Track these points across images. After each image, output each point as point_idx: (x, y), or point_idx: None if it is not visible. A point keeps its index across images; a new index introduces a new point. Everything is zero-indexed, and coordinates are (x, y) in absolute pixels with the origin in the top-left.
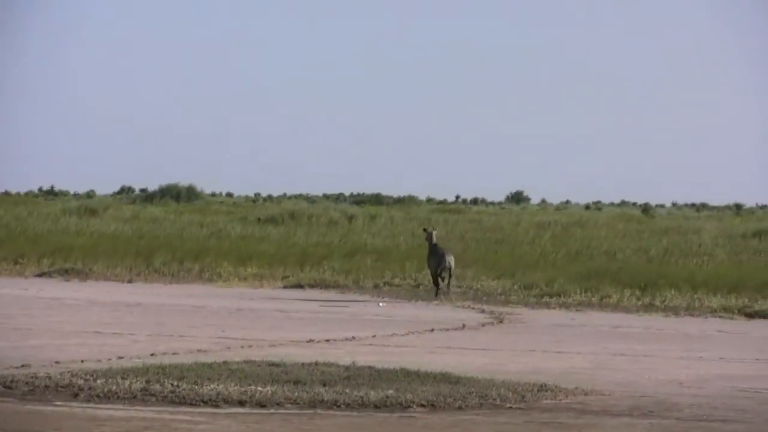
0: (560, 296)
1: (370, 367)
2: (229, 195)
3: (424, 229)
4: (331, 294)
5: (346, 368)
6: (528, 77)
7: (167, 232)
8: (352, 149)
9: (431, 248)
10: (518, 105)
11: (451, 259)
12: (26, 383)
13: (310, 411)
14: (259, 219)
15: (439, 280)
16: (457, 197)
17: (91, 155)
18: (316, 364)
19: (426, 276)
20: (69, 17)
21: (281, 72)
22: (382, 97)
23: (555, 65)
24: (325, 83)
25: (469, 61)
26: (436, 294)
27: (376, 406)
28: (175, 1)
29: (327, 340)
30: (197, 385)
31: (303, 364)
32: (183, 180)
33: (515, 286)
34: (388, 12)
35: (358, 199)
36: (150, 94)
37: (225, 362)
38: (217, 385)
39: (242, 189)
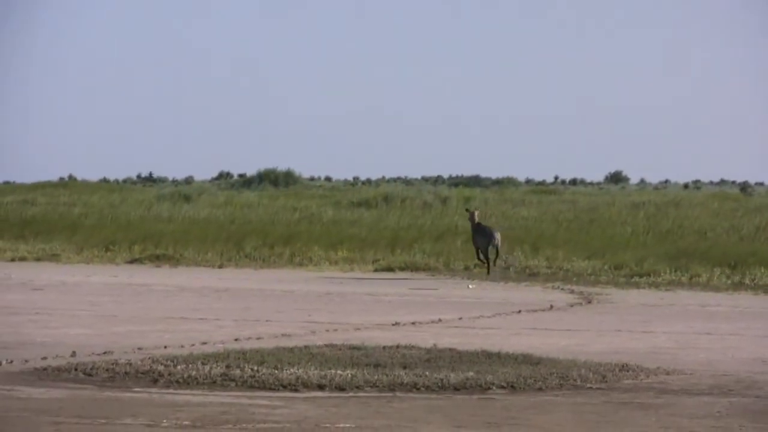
0: (650, 276)
1: (451, 350)
2: (328, 179)
3: (467, 209)
4: (422, 277)
5: (428, 351)
6: (626, 56)
7: (259, 217)
8: (450, 131)
9: (476, 227)
10: (618, 84)
11: (498, 236)
12: (106, 370)
13: (389, 394)
14: (352, 203)
15: (486, 257)
16: (556, 178)
17: (190, 141)
18: (397, 347)
19: (516, 258)
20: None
21: (378, 52)
22: (482, 78)
23: (653, 43)
24: (426, 64)
25: (565, 40)
26: (489, 271)
27: (456, 389)
28: None
29: (413, 323)
30: (277, 369)
31: (384, 347)
32: (281, 165)
33: (605, 267)
34: None
35: (456, 181)
36: (248, 79)
37: (306, 346)
38: (297, 370)
39: (341, 173)
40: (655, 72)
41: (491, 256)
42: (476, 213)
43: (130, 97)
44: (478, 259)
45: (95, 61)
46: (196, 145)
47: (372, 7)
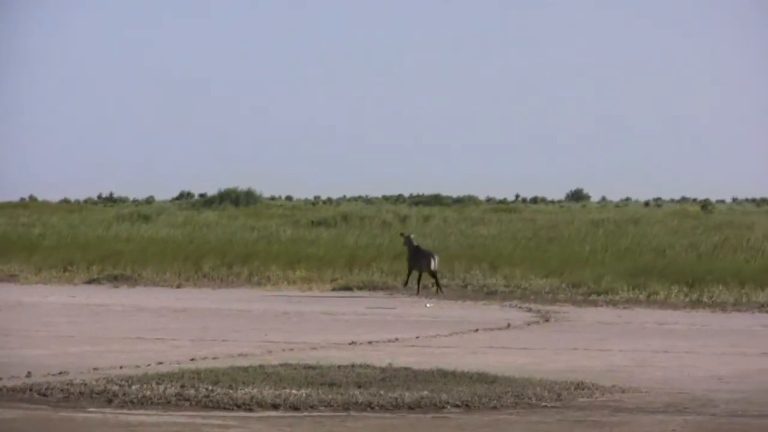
0: (608, 294)
1: (406, 369)
2: (289, 198)
3: (401, 234)
4: (380, 296)
5: (383, 370)
6: (586, 73)
7: (218, 236)
8: (410, 150)
9: (414, 249)
10: (580, 101)
11: (437, 259)
12: (61, 390)
13: (344, 413)
14: (311, 222)
15: (420, 276)
16: (517, 196)
17: (151, 161)
18: (353, 366)
19: (474, 276)
20: (135, 16)
21: (339, 71)
22: (443, 97)
23: (616, 60)
24: (386, 82)
25: (529, 58)
26: (418, 291)
27: (411, 408)
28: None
29: (369, 342)
30: (231, 389)
31: (339, 367)
32: (242, 184)
33: (563, 285)
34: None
35: (417, 200)
36: (209, 98)
37: (261, 366)
38: (252, 389)
39: (302, 192)
40: (618, 88)
41: (427, 279)
42: (412, 236)
43: (90, 116)
44: (406, 282)
45: (56, 80)
46: (156, 165)
47: (332, 24)
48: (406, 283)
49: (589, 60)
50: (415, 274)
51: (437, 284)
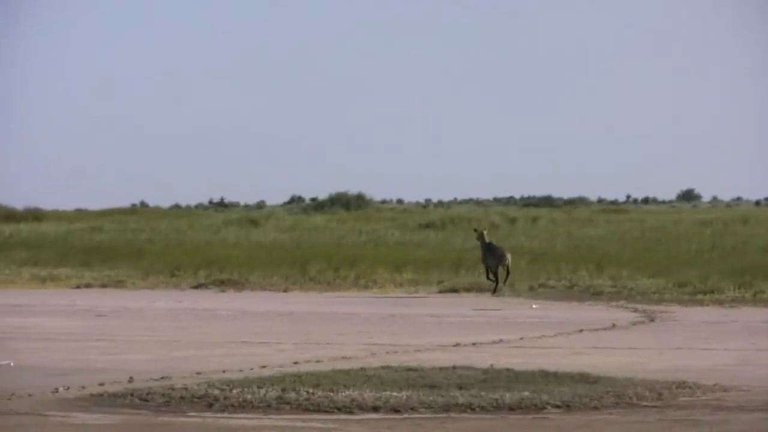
0: (714, 293)
1: (508, 370)
2: (400, 201)
3: (475, 230)
4: (485, 298)
5: (484, 371)
6: (700, 72)
7: (325, 240)
8: (523, 151)
9: (487, 246)
10: (692, 100)
11: (509, 257)
12: (162, 395)
13: (444, 415)
14: (420, 225)
15: (496, 276)
16: (628, 197)
17: (262, 166)
18: (454, 367)
19: (581, 277)
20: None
21: (452, 73)
22: (555, 97)
23: (724, 58)
24: (499, 85)
25: (633, 58)
26: (495, 290)
27: (511, 408)
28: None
29: (473, 344)
30: (332, 392)
31: (440, 368)
32: (353, 188)
33: (669, 285)
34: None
35: (528, 202)
36: (323, 103)
37: (362, 368)
38: (352, 392)
39: (413, 195)
40: (731, 88)
41: (501, 276)
42: (485, 233)
43: (201, 122)
44: (488, 278)
45: (165, 88)
46: (268, 170)
47: (442, 30)
48: (489, 278)
49: (695, 60)
50: (495, 270)
51: (504, 282)
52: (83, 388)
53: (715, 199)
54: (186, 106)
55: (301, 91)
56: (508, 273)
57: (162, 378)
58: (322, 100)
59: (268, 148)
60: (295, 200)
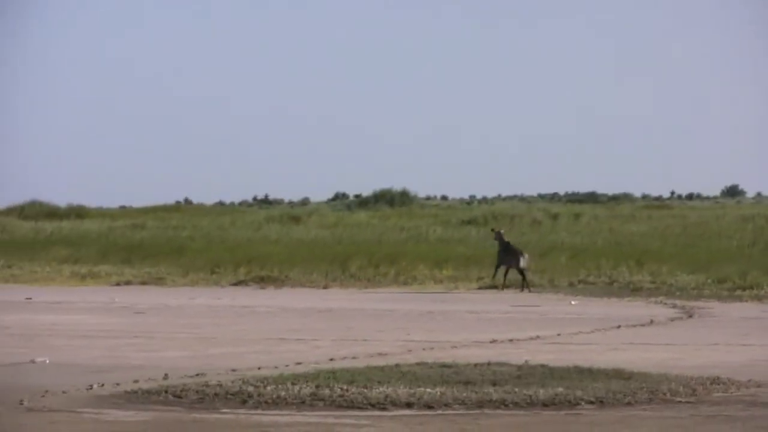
0: (753, 289)
1: (543, 366)
2: (444, 198)
3: (492, 229)
4: (525, 294)
5: (519, 367)
6: (746, 67)
7: (366, 237)
8: (568, 147)
9: (505, 246)
10: (739, 97)
11: (526, 257)
12: (196, 392)
13: (477, 411)
14: (462, 221)
15: (507, 272)
16: (672, 193)
17: (305, 163)
18: (489, 364)
19: (621, 274)
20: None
21: (498, 67)
22: (598, 94)
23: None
24: (539, 80)
25: (685, 52)
26: (494, 276)
27: (545, 405)
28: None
29: (510, 340)
30: (366, 388)
31: (475, 365)
32: (397, 184)
33: (709, 281)
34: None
35: (573, 198)
36: (368, 100)
37: (397, 365)
38: (387, 388)
39: (457, 192)
40: None
41: (515, 275)
42: (502, 232)
43: (245, 119)
44: (495, 273)
45: (211, 85)
46: (312, 167)
47: (474, 27)
48: (494, 276)
49: (740, 52)
50: (502, 269)
51: (524, 281)
52: (117, 385)
53: (759, 195)
54: (232, 104)
55: (347, 88)
56: (523, 275)
57: (197, 375)
58: (369, 97)
59: (313, 145)
60: (339, 197)
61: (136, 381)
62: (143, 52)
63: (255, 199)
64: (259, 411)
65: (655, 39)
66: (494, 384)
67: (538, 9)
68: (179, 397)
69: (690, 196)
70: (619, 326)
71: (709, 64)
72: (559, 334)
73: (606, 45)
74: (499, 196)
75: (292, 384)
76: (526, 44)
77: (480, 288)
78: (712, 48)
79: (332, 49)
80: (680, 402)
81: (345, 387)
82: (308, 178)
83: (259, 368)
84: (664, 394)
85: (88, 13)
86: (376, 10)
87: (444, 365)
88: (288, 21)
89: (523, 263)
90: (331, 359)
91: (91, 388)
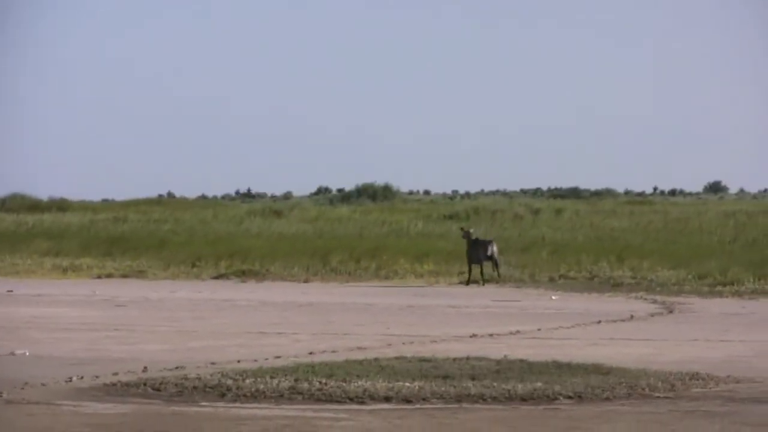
0: (733, 285)
1: (522, 361)
2: (427, 193)
3: (461, 228)
4: (507, 288)
5: (498, 362)
6: (728, 63)
7: (348, 231)
8: (550, 142)
9: (473, 243)
10: (722, 92)
11: (495, 246)
12: (175, 385)
13: (456, 405)
14: (443, 216)
15: (482, 267)
16: (655, 189)
17: (288, 157)
18: (467, 358)
19: (601, 269)
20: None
21: (480, 62)
22: (582, 87)
23: (752, 49)
24: (528, 74)
25: (666, 48)
26: (467, 282)
27: (523, 399)
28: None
29: (490, 335)
30: (345, 382)
31: (454, 359)
32: (380, 179)
33: (689, 276)
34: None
35: (556, 194)
36: (349, 93)
37: (376, 359)
38: (365, 382)
39: (440, 187)
40: (762, 79)
41: (490, 267)
42: (471, 230)
43: (228, 112)
44: (469, 278)
45: (195, 81)
46: (295, 161)
47: (463, 21)
48: (468, 278)
49: (720, 49)
50: (476, 267)
51: (497, 269)
52: (97, 377)
53: (742, 191)
54: (217, 99)
55: (330, 83)
56: (496, 264)
57: (176, 368)
58: (352, 92)
59: (295, 140)
60: (322, 191)
61: (115, 374)
62: (126, 47)
63: (238, 193)
64: (238, 404)
65: (649, 38)
66: (473, 378)
67: (536, 9)
68: (158, 390)
69: (673, 192)
70: (599, 321)
71: (694, 60)
72: (539, 329)
73: (596, 44)
74: (482, 191)
75: (271, 377)
76: (520, 44)
77: (460, 283)
78: (694, 42)
79: (319, 47)
80: (659, 397)
81: (324, 381)
82: (291, 172)
83: (238, 361)
84: (643, 389)
85: (76, 11)
86: (373, 8)
87: (423, 359)
88: (281, 19)
89: (490, 251)
90: (311, 353)
91: (70, 381)
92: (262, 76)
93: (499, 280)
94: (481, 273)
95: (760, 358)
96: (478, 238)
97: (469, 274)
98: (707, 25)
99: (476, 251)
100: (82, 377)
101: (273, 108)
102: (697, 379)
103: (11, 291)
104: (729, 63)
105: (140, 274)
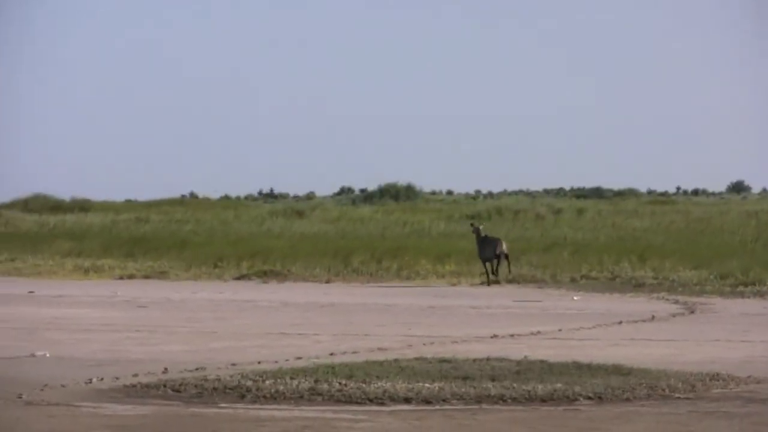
0: (755, 285)
1: (542, 361)
2: (449, 193)
3: (471, 224)
4: (528, 289)
5: (518, 363)
6: (751, 62)
7: (369, 231)
8: (573, 143)
9: (482, 240)
10: (745, 91)
11: (504, 245)
12: (195, 386)
13: (475, 406)
14: (465, 216)
15: (492, 266)
16: (678, 189)
17: (311, 157)
18: (488, 359)
19: (623, 269)
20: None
21: (505, 65)
22: (608, 89)
23: None
24: (545, 76)
25: (690, 48)
26: (489, 282)
27: (543, 400)
28: None
29: (511, 336)
30: (365, 383)
31: (474, 360)
32: (403, 179)
33: (711, 276)
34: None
35: (578, 193)
36: (372, 94)
37: (396, 360)
38: (385, 383)
39: (463, 186)
40: None
41: (502, 264)
42: (480, 228)
43: (252, 113)
44: (485, 269)
45: (217, 79)
46: (318, 161)
47: (492, 21)
48: (488, 278)
49: (744, 47)
50: (488, 265)
51: (508, 266)
52: (117, 379)
53: (765, 190)
54: (238, 98)
55: (355, 83)
56: (508, 261)
57: (197, 369)
58: (376, 92)
59: (318, 139)
60: (345, 191)
61: (135, 375)
62: (148, 45)
63: (260, 193)
64: (257, 405)
65: (657, 38)
66: (493, 379)
67: (537, 9)
68: (178, 391)
69: (695, 192)
70: (620, 322)
71: (718, 60)
72: (560, 330)
73: (606, 44)
74: (505, 191)
75: (291, 378)
76: (526, 43)
77: (482, 283)
78: (715, 45)
79: (337, 47)
80: (679, 398)
81: (343, 382)
82: (314, 172)
83: (259, 362)
84: (663, 390)
85: (94, 7)
86: (385, 10)
87: (443, 360)
88: (303, 17)
89: (500, 249)
90: (332, 354)
91: (90, 382)
92: (285, 76)
93: (509, 276)
94: (495, 270)
95: None
96: (487, 236)
97: (488, 274)
98: (733, 25)
99: (484, 249)
100: (102, 378)
101: (297, 108)
102: (718, 380)
103: (33, 292)
104: (754, 62)
105: (162, 274)
